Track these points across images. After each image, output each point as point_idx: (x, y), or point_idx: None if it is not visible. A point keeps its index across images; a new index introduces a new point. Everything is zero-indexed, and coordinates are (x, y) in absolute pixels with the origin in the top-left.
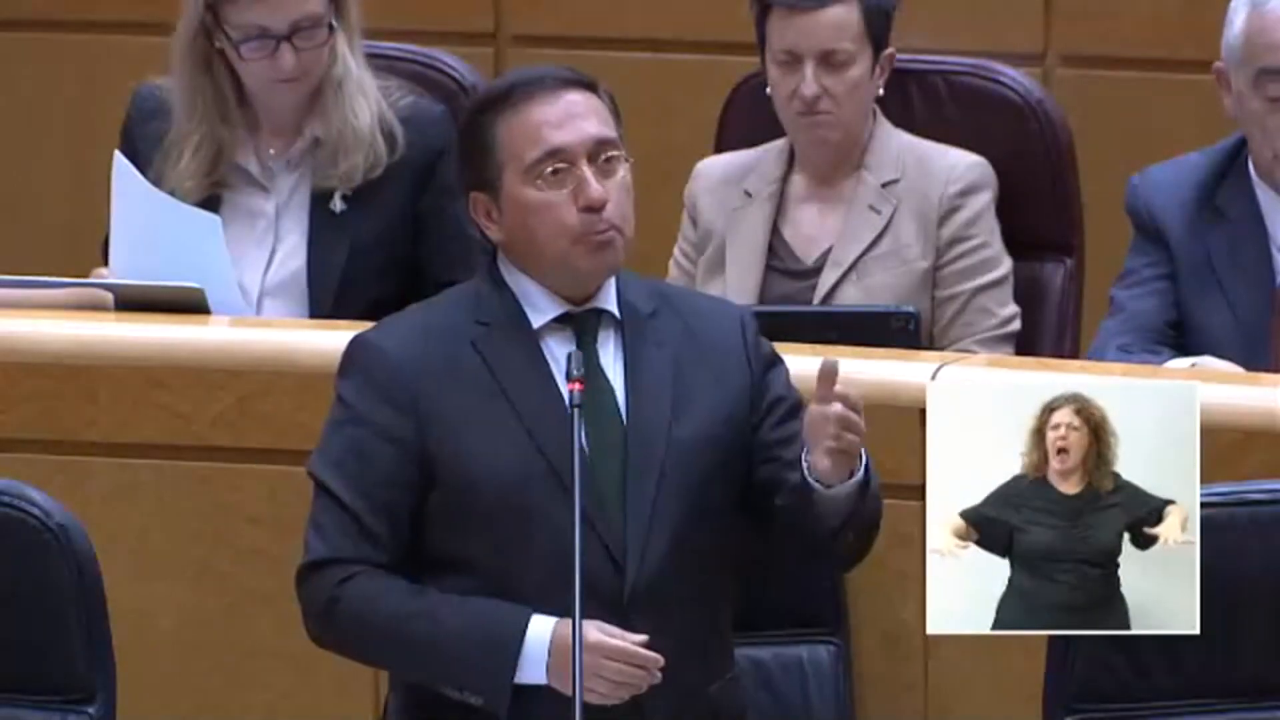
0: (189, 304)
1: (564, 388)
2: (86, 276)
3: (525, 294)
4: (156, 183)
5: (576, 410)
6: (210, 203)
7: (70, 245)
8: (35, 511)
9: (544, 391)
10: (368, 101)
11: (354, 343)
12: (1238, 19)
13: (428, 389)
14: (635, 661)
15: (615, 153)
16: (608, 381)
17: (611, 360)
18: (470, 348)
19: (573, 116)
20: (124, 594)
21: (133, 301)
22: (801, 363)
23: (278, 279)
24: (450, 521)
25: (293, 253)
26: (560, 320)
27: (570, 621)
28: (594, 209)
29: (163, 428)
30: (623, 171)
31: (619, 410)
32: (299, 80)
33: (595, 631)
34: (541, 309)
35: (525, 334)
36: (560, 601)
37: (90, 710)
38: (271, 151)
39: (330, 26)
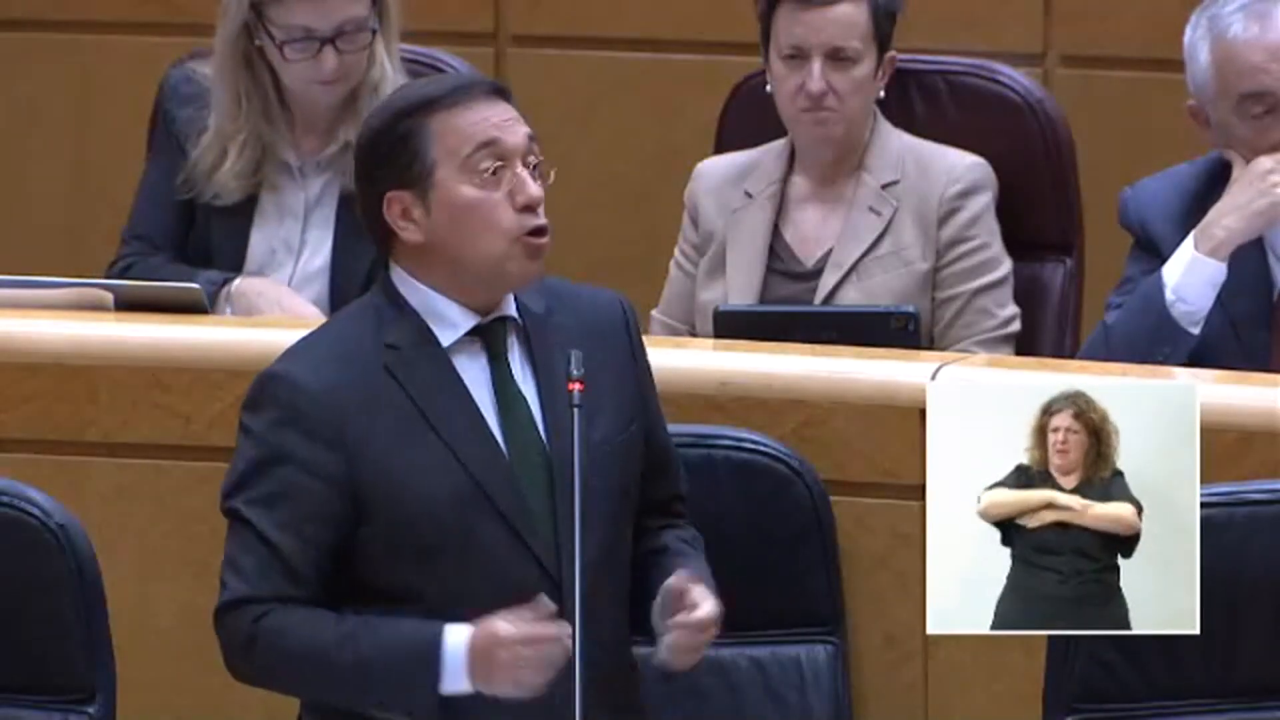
0: (189, 304)
1: (485, 406)
2: (85, 276)
3: (430, 309)
4: (192, 175)
5: (577, 410)
6: (248, 199)
7: (70, 245)
8: (35, 511)
9: (464, 412)
10: None
11: (266, 377)
12: (1200, 54)
13: (351, 421)
14: (546, 637)
15: (542, 158)
16: (520, 392)
17: (520, 368)
18: (384, 372)
19: (509, 120)
20: (124, 594)
21: (133, 301)
22: (801, 363)
23: (302, 277)
24: (385, 553)
25: (318, 252)
26: (468, 334)
27: (484, 623)
28: (532, 208)
29: (163, 428)
30: (546, 180)
31: (535, 421)
32: (339, 83)
33: (505, 625)
34: (449, 324)
35: (436, 353)
36: None
37: (90, 710)
38: (305, 150)
39: (373, 30)
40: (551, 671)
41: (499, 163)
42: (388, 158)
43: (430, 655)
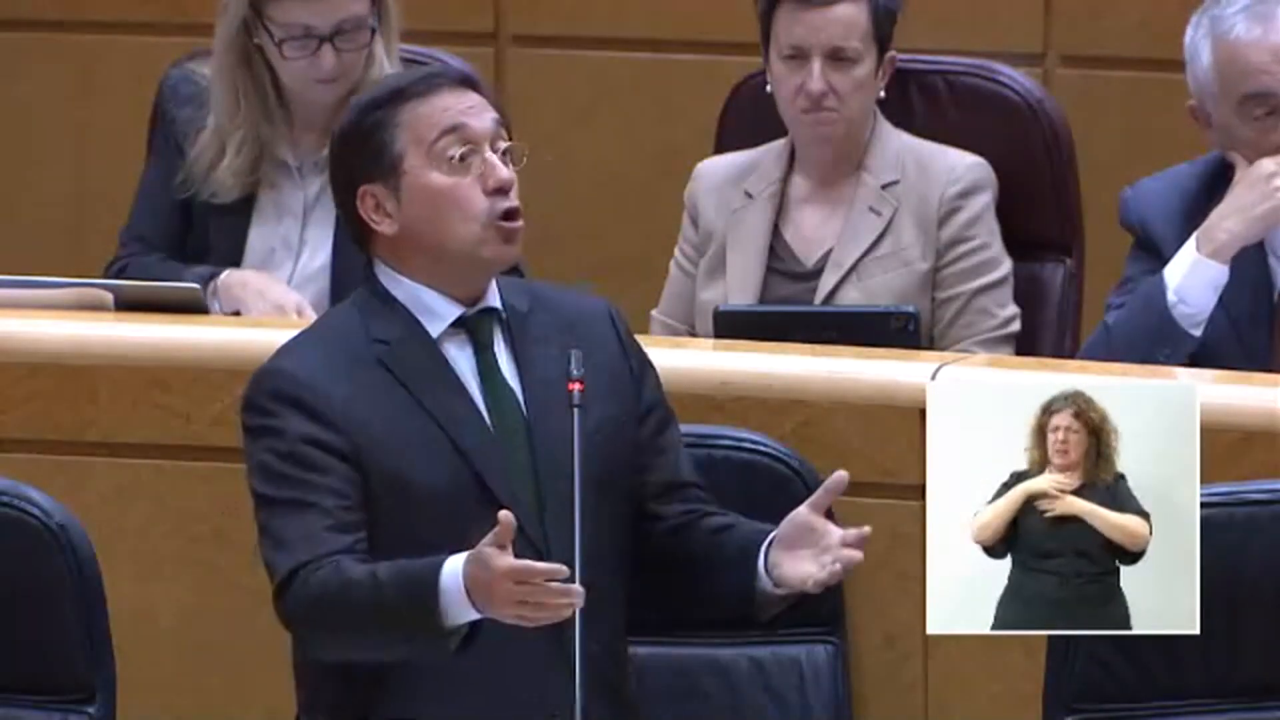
0: (189, 304)
1: (474, 395)
2: (85, 276)
3: (415, 301)
4: (191, 173)
5: (577, 410)
6: (247, 198)
7: (70, 245)
8: (35, 511)
9: (459, 402)
10: None
11: (260, 374)
12: (1202, 53)
13: (350, 409)
14: (538, 572)
15: (510, 144)
16: (506, 383)
17: (505, 360)
18: (377, 366)
19: (474, 107)
20: (124, 594)
21: (133, 301)
22: (801, 363)
23: (302, 276)
24: (385, 543)
25: (317, 251)
26: (454, 324)
27: (477, 552)
28: (503, 190)
29: (163, 428)
30: (519, 165)
31: (522, 411)
32: (337, 81)
33: (498, 557)
34: (436, 314)
35: (426, 345)
36: None
37: (90, 710)
38: (304, 149)
39: (372, 29)
40: (554, 614)
41: (466, 147)
42: (357, 152)
43: (429, 592)
